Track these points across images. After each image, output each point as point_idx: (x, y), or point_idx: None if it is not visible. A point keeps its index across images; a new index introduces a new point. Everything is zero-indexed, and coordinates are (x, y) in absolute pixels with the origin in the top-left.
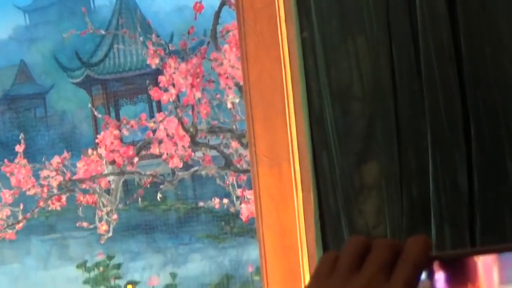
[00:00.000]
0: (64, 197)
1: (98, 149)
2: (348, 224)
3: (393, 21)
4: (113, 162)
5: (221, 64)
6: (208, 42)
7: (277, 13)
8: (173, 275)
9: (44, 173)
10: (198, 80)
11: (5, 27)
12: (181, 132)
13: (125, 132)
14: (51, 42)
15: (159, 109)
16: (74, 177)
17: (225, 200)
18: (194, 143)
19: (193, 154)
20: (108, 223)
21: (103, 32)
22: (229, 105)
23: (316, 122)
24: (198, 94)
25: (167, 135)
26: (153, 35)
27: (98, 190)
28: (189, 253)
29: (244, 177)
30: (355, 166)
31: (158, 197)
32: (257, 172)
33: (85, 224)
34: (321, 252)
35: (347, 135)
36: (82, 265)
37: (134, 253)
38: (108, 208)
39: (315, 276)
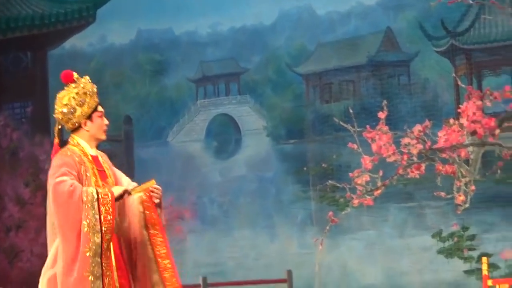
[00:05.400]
0: (423, 166)
1: (460, 118)
2: None
3: None
4: (474, 133)
5: None
6: None
7: None
8: None
9: (405, 140)
10: None
11: None
12: None
13: (488, 103)
14: (418, 10)
15: None
16: (434, 146)
17: None
18: None
19: None
20: (465, 194)
21: (470, 1)
22: None
23: None
24: None
25: None
26: None
27: (458, 160)
28: None
29: None
30: None
31: None
32: None
33: (442, 193)
34: None
35: None
36: (437, 235)
37: (489, 225)
38: (467, 179)
39: None
